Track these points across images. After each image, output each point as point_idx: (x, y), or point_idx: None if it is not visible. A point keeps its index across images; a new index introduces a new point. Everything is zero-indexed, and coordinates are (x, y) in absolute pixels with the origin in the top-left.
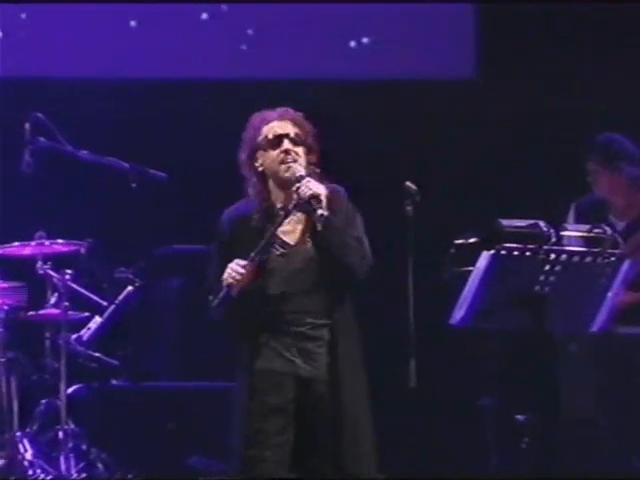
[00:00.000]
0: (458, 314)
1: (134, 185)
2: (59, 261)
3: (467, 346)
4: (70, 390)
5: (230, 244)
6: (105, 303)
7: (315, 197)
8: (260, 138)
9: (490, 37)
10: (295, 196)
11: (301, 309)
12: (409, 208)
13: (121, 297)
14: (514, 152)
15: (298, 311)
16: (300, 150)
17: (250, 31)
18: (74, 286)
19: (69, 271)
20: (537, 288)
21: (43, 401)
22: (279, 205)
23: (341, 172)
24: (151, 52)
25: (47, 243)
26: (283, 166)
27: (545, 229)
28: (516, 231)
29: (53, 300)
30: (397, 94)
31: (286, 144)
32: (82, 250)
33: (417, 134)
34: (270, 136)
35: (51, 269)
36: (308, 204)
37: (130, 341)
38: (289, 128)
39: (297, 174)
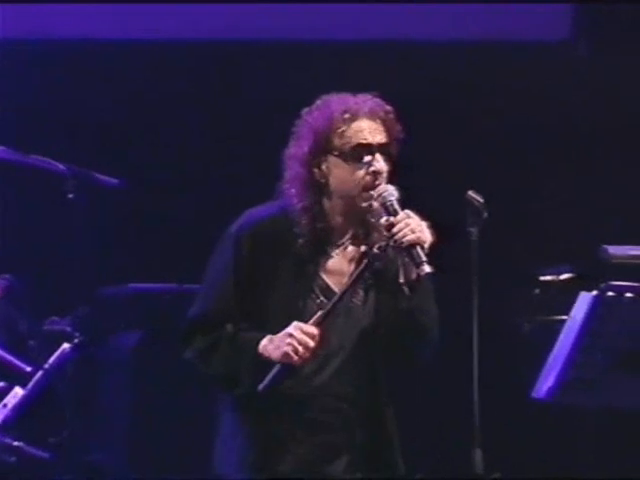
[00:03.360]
0: (545, 384)
1: (72, 196)
2: None
3: (557, 428)
4: None
5: (250, 269)
6: (29, 368)
7: (418, 244)
8: (338, 139)
9: None
10: (383, 233)
11: (327, 388)
12: (473, 229)
13: (53, 359)
14: (625, 143)
15: (322, 391)
16: (386, 167)
17: None
18: None
19: None
20: None
21: None
22: (334, 232)
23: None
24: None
25: None
26: (366, 194)
27: None
28: (629, 262)
29: None
30: (465, 60)
31: (379, 163)
32: None
33: (489, 116)
34: (355, 142)
35: None
36: (406, 252)
37: (66, 423)
38: (381, 134)
39: (388, 202)
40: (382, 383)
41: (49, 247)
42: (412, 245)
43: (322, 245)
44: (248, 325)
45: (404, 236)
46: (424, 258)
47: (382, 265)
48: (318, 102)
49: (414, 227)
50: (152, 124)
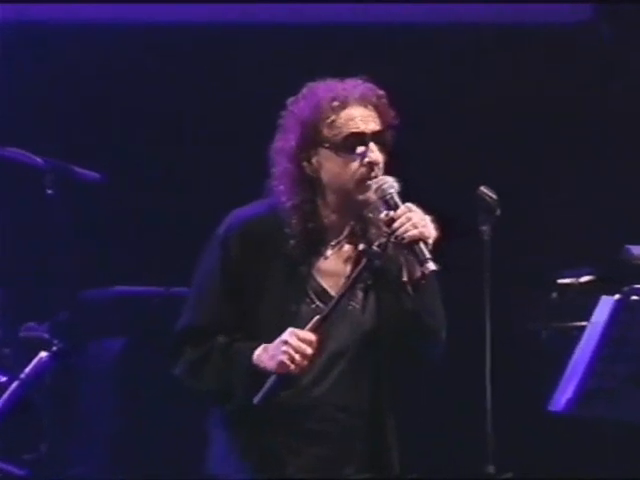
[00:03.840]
0: (563, 395)
1: (50, 191)
2: None
3: (576, 441)
4: None
5: (240, 273)
6: (4, 378)
7: (422, 240)
8: (327, 130)
9: None
10: (382, 229)
11: (326, 398)
12: (485, 228)
13: (30, 368)
14: None
15: (320, 401)
16: (382, 157)
17: None
18: None
19: None
20: None
21: None
22: (328, 231)
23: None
24: None
25: None
26: (363, 186)
27: None
28: None
29: None
30: (485, 42)
31: (374, 153)
32: None
33: (504, 103)
34: (346, 132)
35: None
36: (408, 249)
37: (44, 437)
38: (374, 121)
39: (388, 195)
40: (384, 391)
41: (26, 247)
42: (415, 241)
43: (315, 246)
44: (242, 335)
45: (406, 231)
46: (428, 255)
47: (382, 264)
48: (304, 90)
49: (417, 222)
50: (137, 116)
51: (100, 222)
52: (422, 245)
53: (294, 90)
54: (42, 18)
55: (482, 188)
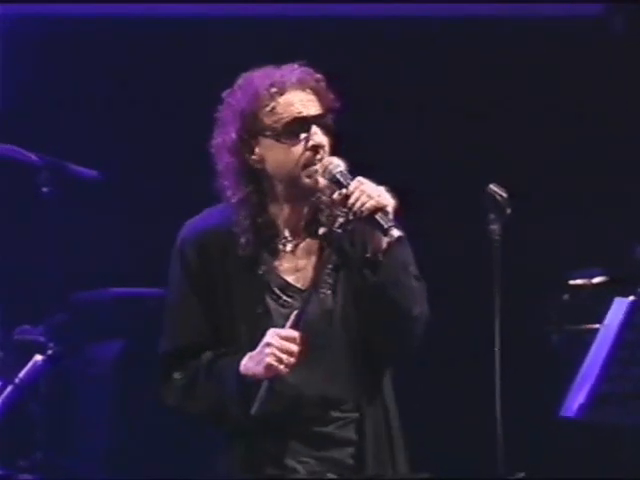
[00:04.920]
0: (575, 401)
1: (46, 189)
2: None
3: (589, 449)
4: None
5: (201, 282)
6: None
7: (380, 210)
8: (267, 118)
9: None
10: (336, 211)
11: (320, 397)
12: (494, 227)
13: (24, 372)
14: None
15: (316, 400)
16: (327, 140)
17: None
18: None
19: None
20: None
21: None
22: (281, 224)
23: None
24: None
25: None
26: (308, 170)
27: None
28: None
29: None
30: (494, 37)
31: (317, 136)
32: None
33: (514, 98)
34: (287, 118)
35: None
36: (369, 222)
37: (39, 443)
38: (314, 105)
39: (336, 174)
40: (367, 379)
41: (20, 247)
42: (374, 212)
43: (270, 241)
44: (226, 347)
45: (362, 204)
46: (390, 222)
47: (346, 244)
48: (239, 81)
49: (371, 192)
50: (137, 115)
51: (95, 221)
52: (382, 215)
53: None
54: (40, 12)
55: (492, 186)
